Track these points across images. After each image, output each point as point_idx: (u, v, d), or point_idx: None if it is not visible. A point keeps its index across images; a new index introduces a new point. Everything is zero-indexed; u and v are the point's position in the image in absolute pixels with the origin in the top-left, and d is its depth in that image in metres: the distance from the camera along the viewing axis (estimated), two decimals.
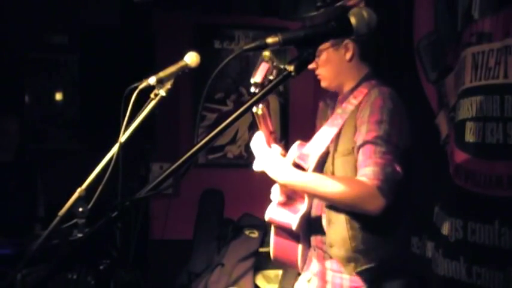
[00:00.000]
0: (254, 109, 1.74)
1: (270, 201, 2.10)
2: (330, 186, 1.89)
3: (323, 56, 2.06)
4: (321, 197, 1.99)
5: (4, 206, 3.79)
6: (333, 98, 2.22)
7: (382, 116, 1.92)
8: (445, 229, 2.60)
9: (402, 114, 1.98)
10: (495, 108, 2.32)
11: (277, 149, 1.96)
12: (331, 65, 2.07)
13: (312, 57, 1.31)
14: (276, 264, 2.45)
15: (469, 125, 2.47)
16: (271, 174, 1.95)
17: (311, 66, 2.01)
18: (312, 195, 2.01)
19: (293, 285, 2.31)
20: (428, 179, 2.74)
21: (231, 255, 3.80)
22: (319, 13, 2.13)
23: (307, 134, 2.39)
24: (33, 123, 4.62)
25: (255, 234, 3.89)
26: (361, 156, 1.92)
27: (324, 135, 2.05)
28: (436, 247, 2.70)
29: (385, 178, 1.85)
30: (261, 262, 3.73)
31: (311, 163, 1.98)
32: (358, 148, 1.94)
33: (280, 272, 3.63)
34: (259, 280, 3.70)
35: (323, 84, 2.14)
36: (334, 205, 2.00)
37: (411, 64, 3.00)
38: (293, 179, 1.92)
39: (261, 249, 3.78)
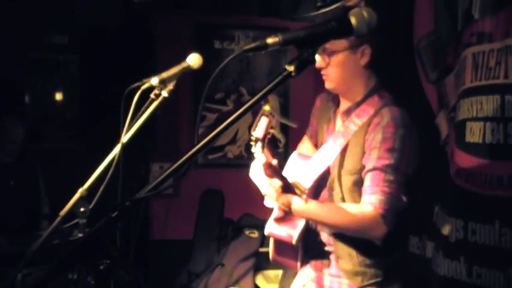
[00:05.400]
0: (256, 153, 1.73)
1: None
2: (337, 216, 1.94)
3: (337, 57, 1.99)
4: (327, 226, 2.02)
5: (5, 206, 3.79)
6: (335, 100, 2.19)
7: (394, 144, 1.92)
8: (445, 229, 2.60)
9: (413, 140, 1.98)
10: (495, 108, 2.32)
11: (276, 181, 1.90)
12: (344, 67, 2.01)
13: (312, 58, 1.31)
14: (276, 264, 2.46)
15: (470, 125, 2.47)
16: (278, 202, 1.95)
17: (319, 64, 2.01)
18: (319, 223, 2.04)
19: None
20: (428, 179, 2.73)
21: (231, 256, 3.79)
22: (331, 9, 2.12)
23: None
24: (33, 123, 4.62)
25: (255, 234, 3.89)
26: (368, 182, 1.93)
27: (325, 154, 2.05)
28: (436, 247, 2.69)
29: (389, 207, 1.89)
30: (261, 262, 3.73)
31: (310, 183, 2.01)
32: (367, 172, 1.94)
33: (280, 272, 3.63)
34: (259, 280, 3.70)
35: (329, 85, 2.07)
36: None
37: (411, 64, 2.99)
38: (300, 210, 1.92)
39: (261, 249, 3.77)
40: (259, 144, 1.70)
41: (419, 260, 2.83)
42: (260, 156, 1.72)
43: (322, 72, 2.04)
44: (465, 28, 2.58)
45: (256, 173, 1.99)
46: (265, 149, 1.75)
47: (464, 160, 2.51)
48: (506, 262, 2.25)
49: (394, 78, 2.90)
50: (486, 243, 2.35)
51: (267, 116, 1.75)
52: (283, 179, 1.88)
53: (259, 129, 1.73)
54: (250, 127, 1.78)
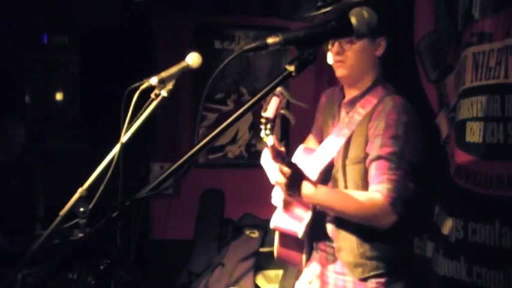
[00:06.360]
0: (263, 136, 1.71)
1: (270, 200, 2.10)
2: (346, 202, 1.92)
3: (357, 45, 2.00)
4: (336, 212, 2.00)
5: (4, 206, 3.79)
6: (339, 94, 2.19)
7: (397, 131, 1.92)
8: (446, 229, 2.60)
9: (416, 128, 1.98)
10: (496, 108, 2.32)
11: (286, 168, 1.89)
12: (362, 55, 2.01)
13: (312, 57, 1.31)
14: (279, 262, 2.46)
15: (470, 125, 2.47)
16: (288, 188, 1.93)
17: (336, 50, 2.00)
18: (327, 210, 2.02)
19: (293, 285, 2.31)
20: (428, 179, 2.74)
21: (231, 255, 3.80)
22: (332, 9, 2.11)
23: (307, 130, 2.39)
24: (33, 123, 4.62)
25: (256, 234, 3.89)
26: (374, 171, 1.92)
27: (330, 145, 2.05)
28: (436, 247, 2.70)
29: (397, 195, 1.88)
30: (262, 262, 3.73)
31: (316, 174, 2.00)
32: (371, 161, 1.94)
33: (280, 272, 3.63)
34: (260, 280, 3.70)
35: (341, 72, 2.05)
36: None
37: (411, 64, 2.99)
38: (311, 194, 1.91)
39: (262, 249, 3.77)
40: (269, 125, 1.68)
41: (419, 260, 2.83)
42: (270, 139, 1.70)
43: (338, 58, 2.03)
44: (465, 28, 2.58)
45: (266, 159, 1.98)
46: (274, 135, 1.73)
47: (465, 160, 2.51)
48: (506, 262, 2.25)
49: (395, 78, 2.90)
50: (486, 243, 2.35)
51: (278, 96, 1.74)
52: (293, 165, 1.88)
53: (270, 109, 1.70)
54: (250, 127, 1.77)
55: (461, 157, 2.54)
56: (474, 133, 2.44)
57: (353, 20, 1.35)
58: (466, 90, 2.51)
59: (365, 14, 1.37)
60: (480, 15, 2.47)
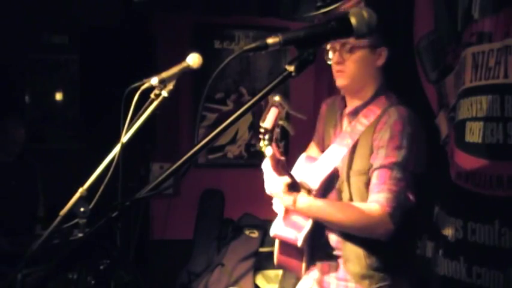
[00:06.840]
0: (262, 146, 1.71)
1: (270, 201, 2.10)
2: (342, 214, 1.92)
3: (357, 54, 2.00)
4: (332, 224, 2.00)
5: (4, 206, 3.79)
6: (340, 103, 2.18)
7: (401, 142, 1.92)
8: (445, 229, 2.60)
9: (420, 139, 1.98)
10: (495, 108, 2.33)
11: (284, 178, 1.91)
12: (362, 65, 2.01)
13: (312, 58, 1.31)
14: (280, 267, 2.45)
15: (469, 125, 2.47)
16: (284, 199, 1.94)
17: (336, 59, 2.00)
18: (324, 222, 2.01)
19: (293, 285, 2.31)
20: (428, 179, 2.74)
21: (231, 255, 3.80)
22: (333, 9, 2.12)
23: (306, 135, 2.39)
24: (33, 123, 4.62)
25: (255, 234, 3.89)
26: (375, 180, 1.92)
27: (333, 155, 2.04)
28: (436, 247, 2.70)
29: (397, 206, 1.88)
30: (261, 262, 3.73)
31: (318, 183, 2.00)
32: (374, 170, 1.93)
33: (280, 272, 3.63)
34: (259, 280, 3.70)
35: (341, 82, 2.05)
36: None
37: (411, 64, 2.99)
38: (306, 207, 1.91)
39: (261, 249, 3.77)
40: (267, 135, 1.69)
41: (419, 260, 2.83)
42: (268, 149, 1.70)
43: (338, 68, 2.03)
44: (465, 28, 2.58)
45: (266, 168, 1.98)
46: (274, 144, 1.73)
47: (464, 160, 2.51)
48: (506, 262, 2.25)
49: (394, 78, 2.91)
50: (486, 243, 2.35)
51: (277, 106, 1.74)
52: (291, 177, 1.87)
53: (268, 120, 1.70)
54: (250, 127, 1.77)
55: (461, 157, 2.54)
56: (474, 133, 2.44)
57: (353, 20, 1.35)
58: (466, 90, 2.51)
59: (365, 14, 1.37)
60: (480, 15, 2.47)
